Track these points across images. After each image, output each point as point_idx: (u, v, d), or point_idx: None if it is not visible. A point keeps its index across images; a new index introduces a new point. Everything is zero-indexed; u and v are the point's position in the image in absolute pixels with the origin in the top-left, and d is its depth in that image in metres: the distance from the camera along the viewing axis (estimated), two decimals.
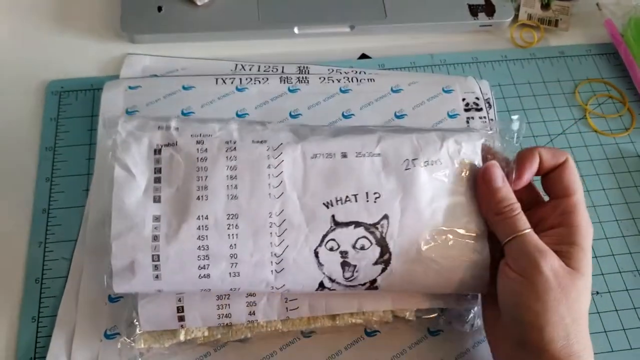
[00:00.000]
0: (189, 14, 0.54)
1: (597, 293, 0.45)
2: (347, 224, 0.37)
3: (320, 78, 0.51)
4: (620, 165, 0.51)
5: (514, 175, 0.39)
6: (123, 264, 0.35)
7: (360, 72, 0.52)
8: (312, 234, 0.37)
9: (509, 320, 0.36)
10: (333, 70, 0.52)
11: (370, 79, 0.52)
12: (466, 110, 0.50)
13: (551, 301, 0.34)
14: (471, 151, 0.39)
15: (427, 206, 0.38)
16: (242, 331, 0.39)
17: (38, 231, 0.44)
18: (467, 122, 0.50)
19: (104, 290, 0.40)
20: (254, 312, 0.38)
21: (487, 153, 0.40)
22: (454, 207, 0.38)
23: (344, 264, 0.37)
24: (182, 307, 0.37)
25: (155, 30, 0.53)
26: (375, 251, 0.37)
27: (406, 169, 0.38)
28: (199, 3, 0.54)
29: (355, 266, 0.37)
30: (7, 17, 0.55)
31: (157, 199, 0.36)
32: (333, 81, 0.51)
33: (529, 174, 0.39)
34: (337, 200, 0.37)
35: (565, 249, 0.36)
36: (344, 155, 0.38)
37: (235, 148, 0.37)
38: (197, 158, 0.37)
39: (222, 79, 0.50)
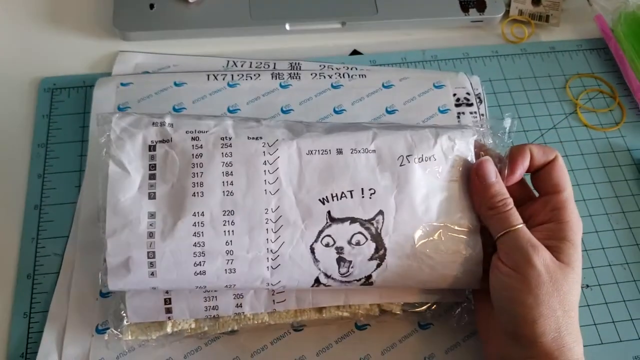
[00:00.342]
0: (181, 11, 0.54)
1: (587, 286, 0.45)
2: (342, 220, 0.37)
3: (311, 74, 0.52)
4: (611, 160, 0.51)
5: (506, 171, 0.39)
6: (118, 261, 0.35)
7: (351, 68, 0.52)
8: (308, 230, 0.37)
9: (502, 313, 0.36)
10: (325, 67, 0.53)
11: (362, 75, 0.52)
12: (457, 105, 0.51)
13: (543, 295, 0.34)
14: (464, 147, 0.40)
15: (421, 202, 0.38)
16: (229, 323, 0.39)
17: (30, 227, 0.45)
18: (458, 117, 0.50)
19: (97, 286, 0.41)
20: (241, 304, 0.38)
21: (480, 149, 0.41)
22: (448, 202, 0.39)
23: (340, 260, 0.37)
24: (170, 299, 0.38)
25: (147, 28, 0.53)
26: (371, 247, 0.37)
27: (401, 165, 0.38)
28: (190, 0, 0.54)
29: (350, 262, 0.37)
30: (0, 15, 0.55)
31: (152, 196, 0.36)
32: (325, 77, 0.52)
33: (522, 169, 0.39)
34: (332, 197, 0.37)
35: (555, 244, 0.36)
36: (339, 152, 0.38)
37: (230, 144, 0.37)
38: (193, 154, 0.37)
39: (213, 75, 0.51)
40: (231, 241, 0.36)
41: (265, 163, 0.37)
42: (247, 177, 0.37)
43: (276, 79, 0.51)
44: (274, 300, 0.39)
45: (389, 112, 0.50)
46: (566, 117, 0.53)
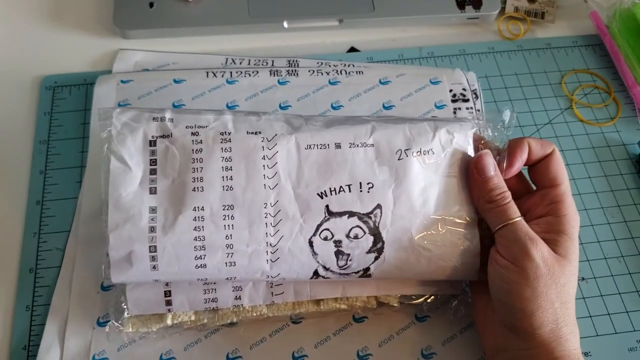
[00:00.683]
0: (180, 9, 0.54)
1: (583, 279, 0.46)
2: (340, 214, 0.38)
3: (309, 71, 0.52)
4: (606, 154, 0.51)
5: (505, 164, 0.39)
6: (120, 255, 0.36)
7: (349, 65, 0.53)
8: (307, 224, 0.37)
9: (500, 306, 0.37)
10: (322, 64, 0.53)
11: (359, 72, 0.53)
12: (453, 101, 0.51)
13: (541, 287, 0.35)
14: (463, 140, 0.40)
15: (419, 195, 0.38)
16: (228, 316, 0.39)
17: (32, 222, 0.45)
18: (454, 112, 0.51)
19: (98, 280, 0.42)
20: (239, 296, 0.39)
21: (478, 142, 0.41)
22: (446, 195, 0.39)
23: (338, 253, 0.37)
24: (170, 291, 0.38)
25: (147, 26, 0.54)
26: (369, 240, 0.38)
27: (399, 159, 0.39)
28: None
29: (349, 255, 0.38)
30: (2, 14, 0.56)
31: (153, 191, 0.37)
32: (322, 74, 0.52)
33: (520, 162, 0.40)
34: (331, 191, 0.38)
35: (553, 237, 0.37)
36: (338, 146, 0.38)
37: (230, 139, 0.38)
38: (192, 149, 0.37)
39: (212, 72, 0.51)
40: (231, 235, 0.36)
41: (264, 158, 0.38)
42: (247, 172, 0.37)
43: (274, 75, 0.52)
44: (272, 293, 0.39)
45: (385, 108, 0.51)
46: (562, 113, 0.53)
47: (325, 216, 0.37)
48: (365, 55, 0.55)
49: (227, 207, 0.37)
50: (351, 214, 0.38)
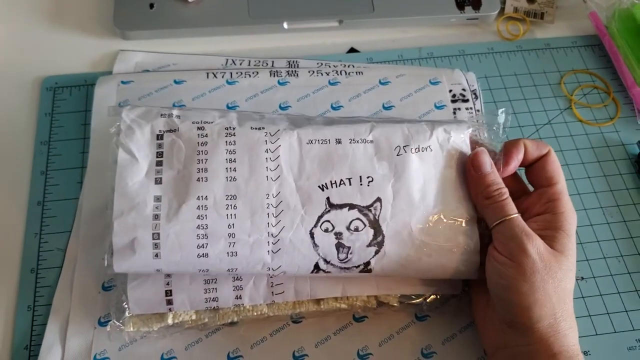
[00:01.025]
0: (180, 10, 0.55)
1: (582, 278, 0.46)
2: (341, 206, 0.38)
3: (309, 72, 0.52)
4: (605, 154, 0.52)
5: (501, 164, 0.40)
6: (124, 241, 0.36)
7: (348, 66, 0.53)
8: (308, 215, 0.38)
9: (498, 302, 0.37)
10: (322, 64, 0.53)
11: (359, 72, 0.53)
12: (453, 101, 0.51)
13: (538, 282, 0.35)
14: (460, 139, 0.41)
15: (418, 190, 0.39)
16: (229, 315, 0.40)
17: (33, 223, 0.45)
18: (454, 112, 0.51)
19: (99, 280, 0.42)
20: (240, 296, 0.39)
21: (475, 144, 0.42)
22: (445, 192, 0.40)
23: (339, 246, 0.38)
24: (171, 290, 0.38)
25: (148, 27, 0.54)
26: (369, 233, 0.38)
27: (398, 155, 0.40)
28: (189, 0, 0.55)
29: (349, 248, 0.38)
30: (3, 15, 0.56)
31: (158, 181, 0.38)
32: (322, 74, 0.52)
33: (516, 161, 0.40)
34: (331, 184, 0.39)
35: (550, 234, 0.37)
36: (338, 142, 0.40)
37: (234, 134, 0.39)
38: (198, 142, 0.38)
39: (212, 73, 0.51)
40: (233, 224, 0.37)
41: (267, 151, 0.39)
42: (250, 164, 0.38)
43: (274, 76, 0.52)
44: (272, 292, 0.40)
45: (385, 108, 0.51)
46: (561, 113, 0.54)
47: (326, 208, 0.38)
48: (365, 56, 0.55)
49: (230, 197, 0.37)
50: (351, 206, 0.38)
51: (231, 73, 0.51)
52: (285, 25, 0.55)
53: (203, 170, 0.38)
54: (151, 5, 0.55)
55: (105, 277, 0.42)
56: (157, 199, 0.37)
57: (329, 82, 0.52)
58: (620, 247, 0.47)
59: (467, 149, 0.41)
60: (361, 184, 0.39)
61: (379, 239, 0.38)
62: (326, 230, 0.38)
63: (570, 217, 0.38)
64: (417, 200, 0.39)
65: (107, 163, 0.38)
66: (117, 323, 0.38)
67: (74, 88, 0.52)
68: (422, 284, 0.41)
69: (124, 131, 0.38)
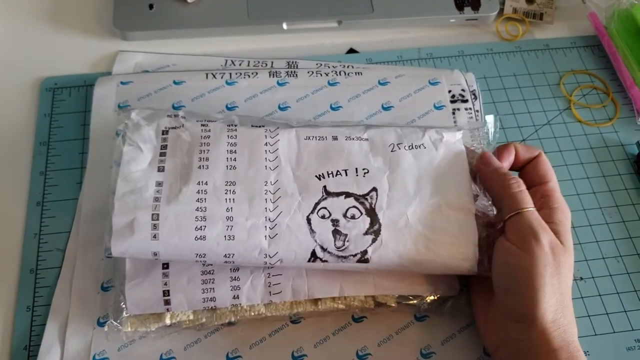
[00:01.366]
0: (180, 11, 0.55)
1: (582, 279, 0.46)
2: (337, 194, 0.39)
3: (308, 72, 0.52)
4: (604, 154, 0.52)
5: None
6: (124, 222, 0.37)
7: (348, 66, 0.53)
8: (305, 201, 0.39)
9: (505, 295, 0.38)
10: (321, 65, 0.53)
11: (358, 73, 0.53)
12: (452, 101, 0.51)
13: (548, 276, 0.36)
14: (453, 139, 0.42)
15: (413, 183, 0.40)
16: (226, 315, 0.40)
17: (33, 223, 0.45)
18: (453, 113, 0.51)
19: (99, 281, 0.42)
20: (237, 295, 0.39)
21: (466, 150, 0.43)
22: (440, 185, 0.40)
23: (335, 232, 0.38)
24: (168, 290, 0.38)
25: (147, 28, 0.54)
26: (366, 221, 0.39)
27: (392, 151, 0.41)
28: (189, 0, 0.55)
29: (346, 235, 0.38)
30: (2, 16, 0.56)
31: (161, 169, 0.39)
32: (321, 75, 0.52)
33: (507, 162, 0.42)
34: (328, 174, 0.40)
35: (552, 228, 0.38)
36: (335, 138, 0.41)
37: (236, 129, 0.41)
38: (201, 136, 0.40)
39: (212, 73, 0.51)
40: (231, 208, 0.38)
41: (266, 144, 0.40)
42: (249, 155, 0.40)
43: (273, 77, 0.52)
44: (270, 292, 0.40)
45: (384, 109, 0.51)
46: (560, 113, 0.54)
47: (323, 195, 0.39)
48: (364, 57, 0.55)
49: (229, 183, 0.39)
50: (348, 194, 0.39)
51: (230, 74, 0.51)
52: (284, 25, 0.55)
53: (204, 159, 0.39)
54: (150, 6, 0.55)
55: (104, 276, 0.42)
56: (159, 184, 0.38)
57: (328, 82, 0.52)
58: (619, 247, 0.47)
59: (461, 147, 0.42)
60: (357, 175, 0.40)
61: (376, 227, 0.39)
62: (323, 217, 0.38)
63: (565, 211, 0.39)
64: (412, 192, 0.40)
65: (107, 163, 0.39)
66: (115, 323, 0.39)
67: (73, 89, 0.52)
68: (419, 284, 0.41)
69: (131, 128, 0.40)
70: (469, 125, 0.44)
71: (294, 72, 0.52)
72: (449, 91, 0.52)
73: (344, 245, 0.38)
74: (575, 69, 0.56)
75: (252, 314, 0.40)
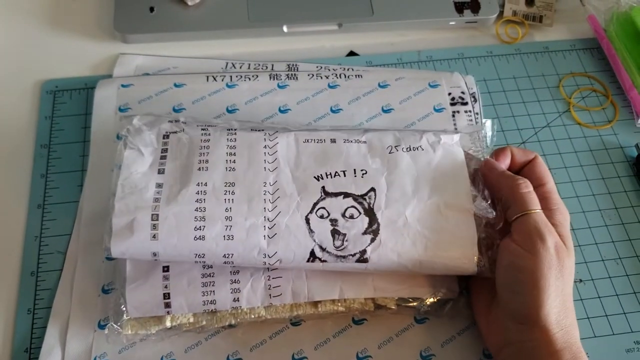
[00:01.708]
0: (180, 14, 0.55)
1: (581, 281, 0.46)
2: (336, 194, 0.39)
3: (309, 75, 0.53)
4: (604, 157, 0.52)
5: None
6: (123, 222, 0.37)
7: (348, 69, 0.53)
8: (304, 202, 0.39)
9: (509, 296, 0.38)
10: (321, 67, 0.54)
11: (358, 75, 0.53)
12: (452, 104, 0.52)
13: (552, 278, 0.36)
14: (450, 142, 0.43)
15: (411, 183, 0.40)
16: (227, 318, 0.40)
17: (33, 226, 0.46)
18: (453, 115, 0.51)
19: (99, 283, 0.42)
20: (238, 298, 0.39)
21: (465, 156, 0.43)
22: (439, 186, 0.41)
23: (334, 232, 0.38)
24: (169, 293, 0.38)
25: (148, 30, 0.54)
26: (364, 221, 0.39)
27: (390, 153, 0.41)
28: (190, 3, 0.55)
29: (345, 235, 0.38)
30: (3, 19, 0.56)
31: (161, 171, 0.39)
32: (321, 77, 0.52)
33: (504, 165, 0.42)
34: (326, 175, 0.40)
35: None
36: (333, 141, 0.42)
37: (235, 133, 0.41)
38: (201, 140, 0.41)
39: (212, 76, 0.52)
40: (230, 208, 0.38)
41: (265, 147, 0.41)
42: (249, 157, 0.40)
43: (274, 79, 0.52)
44: (270, 295, 0.40)
45: (385, 111, 0.51)
46: (560, 116, 0.54)
47: (322, 195, 0.39)
48: (364, 59, 0.55)
49: (228, 184, 0.39)
50: (346, 194, 0.40)
51: (231, 76, 0.52)
52: (284, 28, 0.55)
53: (204, 161, 0.40)
54: (151, 9, 0.55)
55: (105, 279, 0.42)
56: (159, 185, 0.39)
57: (329, 85, 0.52)
58: (619, 249, 0.47)
59: (459, 149, 0.42)
60: (355, 176, 0.40)
61: (374, 227, 0.39)
62: (322, 217, 0.39)
63: (564, 212, 0.40)
64: (410, 192, 0.40)
65: (108, 166, 0.39)
66: (115, 326, 0.39)
67: (74, 91, 0.52)
68: (419, 286, 0.41)
69: (132, 132, 0.41)
70: (467, 129, 0.45)
71: (295, 74, 0.52)
72: (449, 94, 0.52)
73: (342, 244, 0.38)
74: (575, 72, 0.56)
75: (253, 316, 0.40)
